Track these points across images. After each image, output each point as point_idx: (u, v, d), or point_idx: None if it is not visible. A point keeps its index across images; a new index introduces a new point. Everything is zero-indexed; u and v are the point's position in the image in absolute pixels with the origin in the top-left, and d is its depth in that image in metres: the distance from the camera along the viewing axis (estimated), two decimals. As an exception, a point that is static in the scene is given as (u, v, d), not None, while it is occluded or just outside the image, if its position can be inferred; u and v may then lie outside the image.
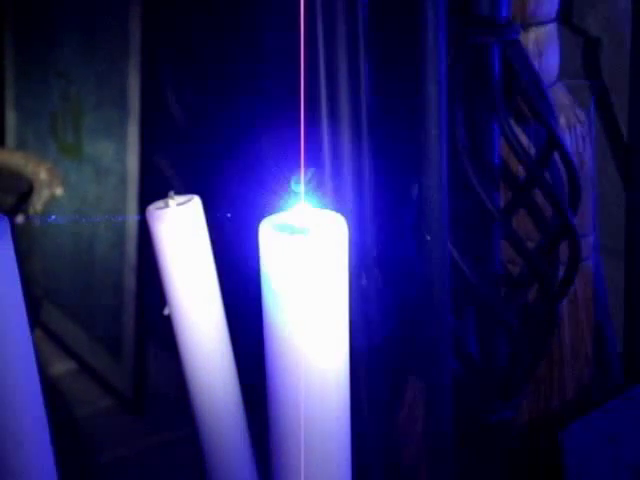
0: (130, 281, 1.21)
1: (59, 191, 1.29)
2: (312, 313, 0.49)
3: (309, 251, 0.48)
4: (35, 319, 1.35)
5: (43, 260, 1.38)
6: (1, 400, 0.56)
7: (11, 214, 1.23)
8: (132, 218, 1.20)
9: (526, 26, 0.84)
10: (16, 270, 0.55)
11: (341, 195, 0.81)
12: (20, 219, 1.27)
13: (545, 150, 0.82)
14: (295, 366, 0.50)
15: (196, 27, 1.16)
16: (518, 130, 0.83)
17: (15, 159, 1.35)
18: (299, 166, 0.54)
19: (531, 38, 0.85)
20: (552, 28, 0.86)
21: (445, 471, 0.83)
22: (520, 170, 0.84)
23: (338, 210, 0.51)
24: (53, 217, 1.35)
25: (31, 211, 1.28)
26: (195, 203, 0.73)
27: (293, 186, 0.51)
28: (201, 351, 0.75)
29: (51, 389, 1.24)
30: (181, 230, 0.72)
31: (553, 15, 0.86)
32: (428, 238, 0.77)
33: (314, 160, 0.81)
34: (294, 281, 0.49)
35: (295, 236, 0.49)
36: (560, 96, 0.88)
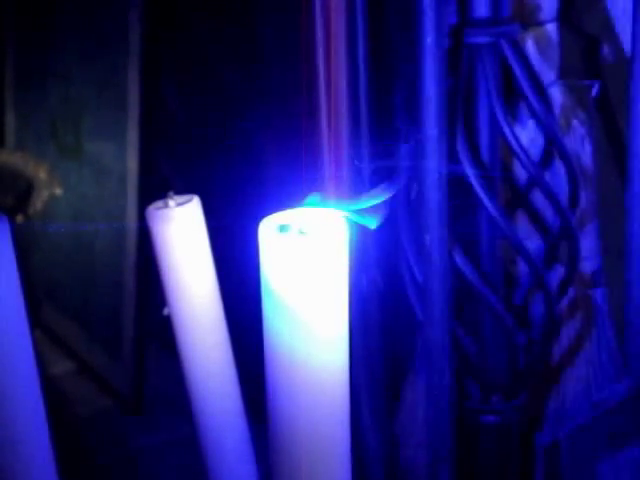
0: (130, 281, 1.21)
1: (58, 191, 1.30)
2: (312, 313, 0.49)
3: (309, 251, 0.48)
4: (35, 319, 1.35)
5: (43, 260, 1.38)
6: (1, 400, 0.56)
7: (11, 214, 1.23)
8: (132, 218, 1.20)
9: (526, 26, 0.84)
10: (16, 270, 0.55)
11: (341, 195, 0.81)
12: (20, 219, 1.27)
13: (545, 150, 0.82)
14: (295, 366, 0.50)
15: (196, 27, 1.16)
16: (518, 130, 0.83)
17: (15, 160, 1.35)
18: (299, 166, 0.54)
19: (531, 38, 0.85)
20: (552, 28, 0.86)
21: (445, 471, 0.83)
22: (520, 170, 0.84)
23: (338, 210, 0.51)
24: (53, 219, 1.35)
25: (31, 211, 1.28)
26: (195, 203, 0.73)
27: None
28: (201, 351, 0.75)
29: (51, 389, 1.24)
30: (181, 230, 0.72)
31: (553, 15, 0.86)
32: (428, 238, 0.77)
33: (314, 160, 0.81)
34: (294, 281, 0.49)
35: (295, 236, 0.49)
36: (560, 96, 0.88)
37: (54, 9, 1.33)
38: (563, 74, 0.89)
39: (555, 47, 0.87)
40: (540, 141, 0.83)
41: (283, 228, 0.50)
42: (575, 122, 0.88)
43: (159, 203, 0.73)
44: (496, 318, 0.84)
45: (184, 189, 0.75)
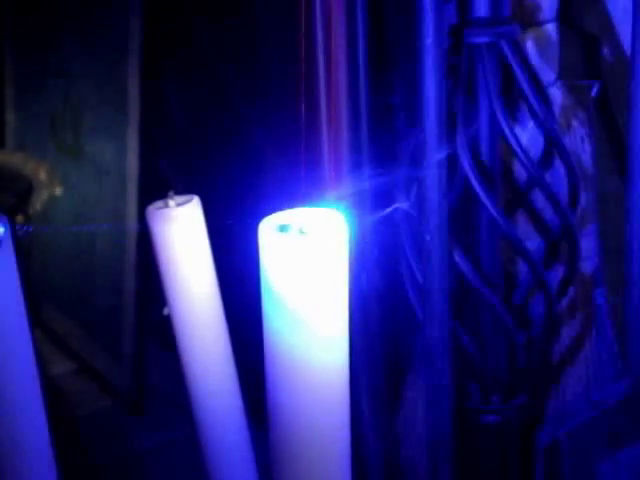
0: (130, 281, 1.21)
1: (58, 191, 1.30)
2: (312, 313, 0.49)
3: (309, 251, 0.48)
4: (35, 319, 1.35)
5: (43, 260, 1.38)
6: (1, 400, 0.56)
7: (11, 214, 1.23)
8: (132, 218, 1.20)
9: (526, 26, 0.84)
10: (16, 270, 0.55)
11: (341, 195, 0.81)
12: (20, 219, 1.27)
13: (545, 150, 0.82)
14: (295, 366, 0.50)
15: (196, 27, 1.16)
16: (518, 130, 0.83)
17: (15, 159, 1.35)
18: (299, 166, 0.54)
19: (531, 38, 0.85)
20: (552, 28, 0.86)
21: (445, 471, 0.83)
22: (520, 170, 0.84)
23: (338, 210, 0.51)
24: (53, 219, 1.35)
25: (31, 211, 1.28)
26: (195, 203, 0.73)
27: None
28: (201, 351, 0.75)
29: (51, 389, 1.24)
30: (181, 230, 0.72)
31: (553, 15, 0.86)
32: (428, 238, 0.77)
33: (314, 160, 0.81)
34: (294, 281, 0.49)
35: (295, 236, 0.49)
36: (560, 96, 0.88)
37: (54, 9, 1.33)
38: (563, 74, 0.89)
39: (555, 47, 0.87)
40: (540, 141, 0.83)
41: (283, 228, 0.50)
42: (575, 122, 0.88)
43: (159, 203, 0.73)
44: (496, 318, 0.84)
45: (184, 189, 0.75)
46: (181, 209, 0.72)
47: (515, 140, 0.80)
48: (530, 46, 0.84)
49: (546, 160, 0.82)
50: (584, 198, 0.87)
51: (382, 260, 0.86)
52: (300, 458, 0.52)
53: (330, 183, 0.81)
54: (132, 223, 1.20)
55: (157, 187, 1.17)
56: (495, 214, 0.81)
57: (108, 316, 1.27)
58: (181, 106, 1.22)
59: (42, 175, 1.30)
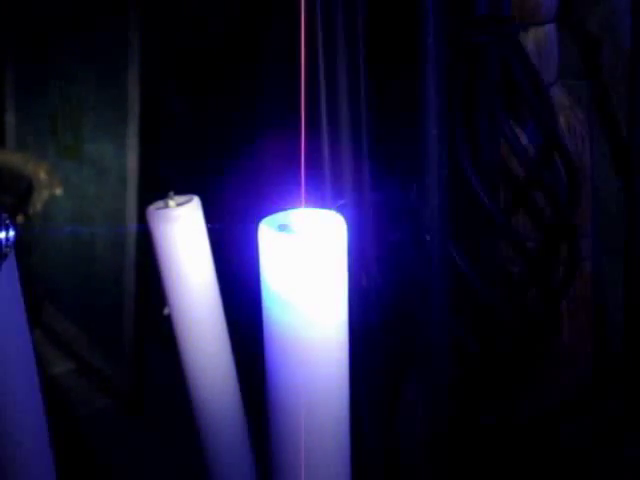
0: (130, 281, 1.21)
1: (58, 191, 1.30)
2: (312, 313, 0.49)
3: (309, 251, 0.48)
4: (35, 319, 1.35)
5: (43, 260, 1.38)
6: (1, 400, 0.56)
7: (11, 214, 1.23)
8: (132, 218, 1.20)
9: (526, 26, 0.84)
10: (16, 270, 0.56)
11: (340, 195, 0.81)
12: (20, 219, 1.27)
13: (545, 150, 0.82)
14: (295, 365, 0.50)
15: (196, 27, 1.16)
16: (518, 130, 0.83)
17: (15, 159, 1.35)
18: (299, 166, 0.54)
19: (531, 38, 0.85)
20: (552, 28, 0.86)
21: (444, 471, 0.83)
22: (520, 170, 0.84)
23: (337, 210, 0.51)
24: (53, 219, 1.35)
25: (31, 211, 1.28)
26: (195, 203, 0.73)
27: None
28: (201, 351, 0.75)
29: (51, 389, 1.24)
30: (181, 230, 0.72)
31: (553, 15, 0.86)
32: (428, 238, 0.77)
33: (314, 160, 0.81)
34: (294, 281, 0.49)
35: (295, 236, 0.49)
36: (560, 96, 0.88)
37: (54, 9, 1.34)
38: (563, 74, 0.89)
39: (555, 47, 0.87)
40: (540, 141, 0.83)
41: (283, 228, 0.50)
42: (575, 122, 0.88)
43: (159, 203, 0.73)
44: (496, 317, 0.84)
45: (184, 189, 0.75)
46: (181, 209, 0.72)
47: (515, 140, 0.80)
48: (530, 46, 0.84)
49: (546, 160, 0.82)
50: (584, 198, 0.87)
51: (382, 260, 0.86)
52: (299, 456, 0.52)
53: (330, 183, 0.81)
54: (132, 223, 1.20)
55: (157, 187, 1.17)
56: (495, 213, 0.81)
57: (108, 316, 1.27)
58: (181, 106, 1.22)
59: (42, 175, 1.30)
